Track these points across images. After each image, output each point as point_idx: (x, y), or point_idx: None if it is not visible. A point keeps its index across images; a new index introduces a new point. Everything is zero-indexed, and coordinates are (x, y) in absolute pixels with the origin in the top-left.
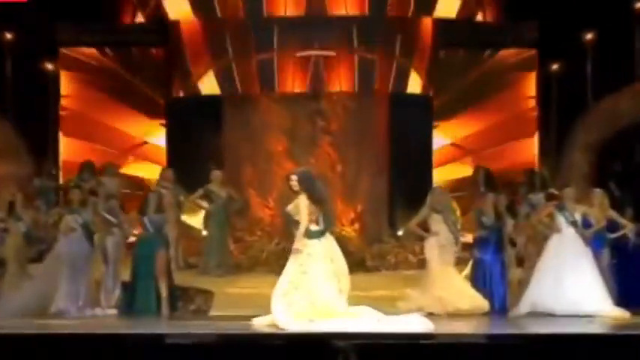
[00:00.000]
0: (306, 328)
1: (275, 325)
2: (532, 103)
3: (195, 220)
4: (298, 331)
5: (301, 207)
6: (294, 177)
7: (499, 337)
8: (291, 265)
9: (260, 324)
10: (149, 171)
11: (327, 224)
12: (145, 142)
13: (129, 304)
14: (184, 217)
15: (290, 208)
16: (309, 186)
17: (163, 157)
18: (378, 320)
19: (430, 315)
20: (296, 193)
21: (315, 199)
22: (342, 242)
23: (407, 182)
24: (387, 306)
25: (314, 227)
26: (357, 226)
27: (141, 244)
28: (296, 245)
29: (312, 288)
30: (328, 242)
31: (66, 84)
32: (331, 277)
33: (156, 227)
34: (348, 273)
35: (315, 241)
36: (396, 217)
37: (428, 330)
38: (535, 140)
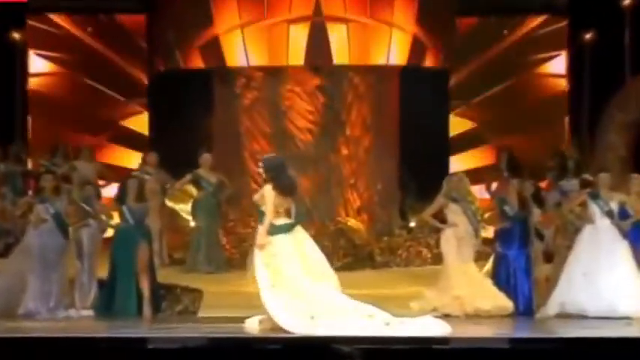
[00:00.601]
0: (310, 329)
1: (269, 327)
2: (562, 79)
3: (182, 209)
4: (300, 334)
5: (266, 197)
6: (260, 163)
7: (524, 341)
8: (259, 264)
9: (253, 326)
10: (128, 158)
11: (299, 218)
12: (125, 122)
13: (107, 305)
14: (169, 206)
15: (256, 197)
16: (275, 174)
17: (144, 140)
18: (386, 323)
19: (446, 317)
20: (264, 182)
21: (281, 189)
22: (347, 235)
23: (420, 167)
24: (397, 306)
25: (281, 220)
26: (364, 216)
27: (120, 237)
28: (258, 240)
29: (298, 287)
30: (297, 237)
31: (34, 61)
32: (310, 274)
33: (137, 218)
34: (330, 271)
35: (280, 237)
36: (408, 207)
37: (444, 334)
38: (566, 120)
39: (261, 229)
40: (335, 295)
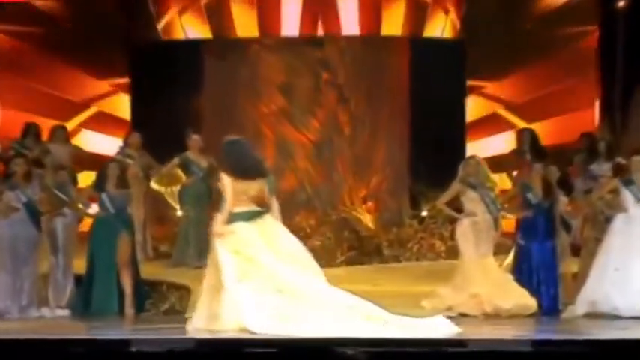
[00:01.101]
0: (286, 330)
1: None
2: (592, 54)
3: (168, 197)
4: (272, 335)
5: (223, 183)
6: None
7: (549, 343)
8: (223, 255)
9: (199, 327)
10: (106, 143)
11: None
12: (102, 103)
13: (84, 303)
14: (154, 193)
15: (219, 184)
16: (226, 159)
17: (125, 123)
18: (385, 322)
19: (463, 316)
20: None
21: (237, 174)
22: (351, 225)
23: (434, 149)
24: (407, 305)
25: (243, 208)
26: (370, 204)
27: (99, 228)
28: (214, 228)
29: (277, 278)
30: (264, 227)
31: None
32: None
33: (117, 206)
34: (313, 266)
35: (240, 225)
36: (420, 194)
37: (451, 335)
38: (596, 98)
39: (218, 217)
40: (323, 288)
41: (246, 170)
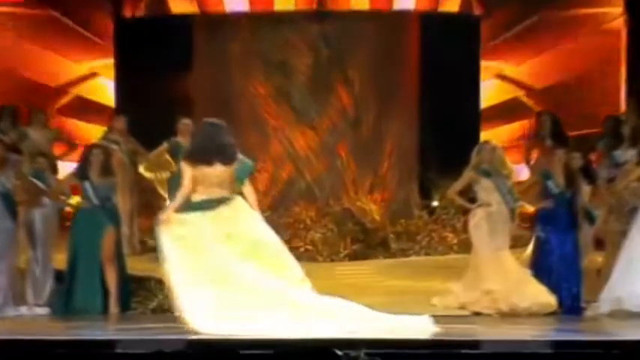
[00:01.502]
0: (232, 330)
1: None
2: (618, 22)
3: (158, 185)
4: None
5: (182, 168)
6: None
7: (571, 345)
8: (166, 247)
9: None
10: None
11: (234, 191)
12: (85, 79)
13: (65, 301)
14: (141, 181)
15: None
16: (191, 143)
17: (109, 101)
18: (350, 319)
19: (476, 315)
20: None
21: (192, 159)
22: (356, 217)
23: (445, 134)
24: (416, 303)
25: (200, 196)
26: (376, 194)
27: (81, 220)
28: (161, 215)
29: (226, 276)
30: (227, 216)
31: None
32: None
33: (102, 196)
34: (286, 260)
35: (194, 215)
36: (430, 183)
37: (426, 335)
38: (622, 79)
39: (170, 204)
40: (278, 285)
41: (206, 155)
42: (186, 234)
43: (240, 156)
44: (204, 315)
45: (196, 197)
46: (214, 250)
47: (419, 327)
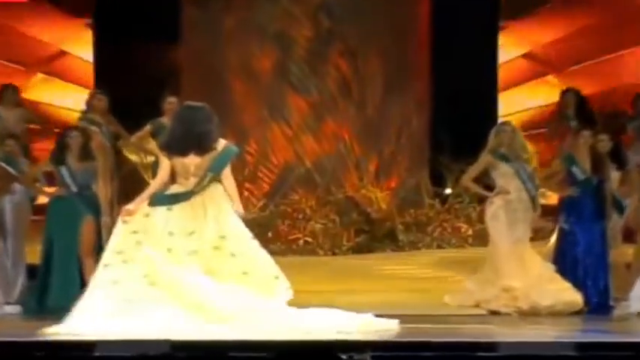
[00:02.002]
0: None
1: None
2: None
3: (143, 170)
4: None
5: (160, 159)
6: None
7: (598, 347)
8: (116, 236)
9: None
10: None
11: (200, 183)
12: (62, 54)
13: (39, 299)
14: (124, 166)
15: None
16: (170, 130)
17: (89, 77)
18: (283, 317)
19: (494, 314)
20: None
21: (170, 150)
22: (360, 206)
23: (459, 114)
24: (426, 301)
25: (176, 189)
26: (382, 181)
27: (57, 209)
28: (127, 206)
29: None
30: (186, 210)
31: None
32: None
33: (80, 183)
34: (242, 256)
35: (158, 210)
36: (443, 168)
37: (344, 336)
38: None
39: (141, 195)
40: (206, 286)
41: (181, 146)
42: (141, 229)
43: (223, 141)
44: (90, 315)
45: (174, 189)
46: (161, 248)
47: (341, 323)
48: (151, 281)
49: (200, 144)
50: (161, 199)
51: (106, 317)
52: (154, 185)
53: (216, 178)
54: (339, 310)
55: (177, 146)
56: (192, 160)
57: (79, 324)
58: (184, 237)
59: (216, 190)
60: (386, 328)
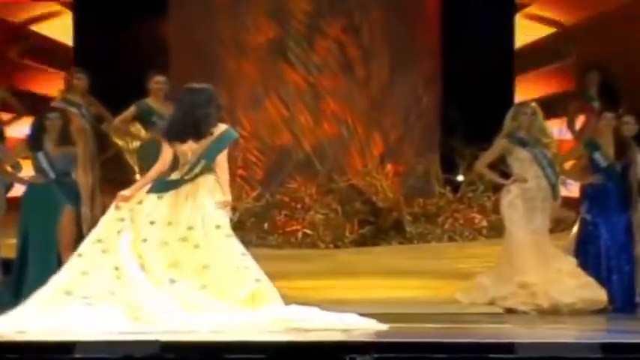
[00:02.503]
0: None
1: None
2: None
3: (127, 156)
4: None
5: (163, 145)
6: None
7: (623, 348)
8: (102, 224)
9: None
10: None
11: (191, 170)
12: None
13: (15, 295)
14: (106, 152)
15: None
16: (172, 114)
17: (67, 57)
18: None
19: (510, 313)
20: None
21: (169, 137)
22: (364, 194)
23: (472, 94)
24: (437, 298)
25: (175, 175)
26: (388, 167)
27: (33, 198)
28: (123, 191)
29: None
30: (172, 199)
31: None
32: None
33: (58, 170)
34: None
35: (151, 197)
36: (455, 152)
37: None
38: None
39: (140, 180)
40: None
41: (181, 132)
42: (128, 217)
43: (222, 126)
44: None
45: (173, 176)
46: (138, 238)
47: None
48: (118, 275)
49: (196, 129)
50: (154, 187)
51: (40, 311)
52: (152, 172)
53: (210, 166)
54: (304, 308)
55: (174, 132)
56: (189, 147)
57: (8, 318)
58: (163, 227)
59: (206, 179)
60: (365, 328)
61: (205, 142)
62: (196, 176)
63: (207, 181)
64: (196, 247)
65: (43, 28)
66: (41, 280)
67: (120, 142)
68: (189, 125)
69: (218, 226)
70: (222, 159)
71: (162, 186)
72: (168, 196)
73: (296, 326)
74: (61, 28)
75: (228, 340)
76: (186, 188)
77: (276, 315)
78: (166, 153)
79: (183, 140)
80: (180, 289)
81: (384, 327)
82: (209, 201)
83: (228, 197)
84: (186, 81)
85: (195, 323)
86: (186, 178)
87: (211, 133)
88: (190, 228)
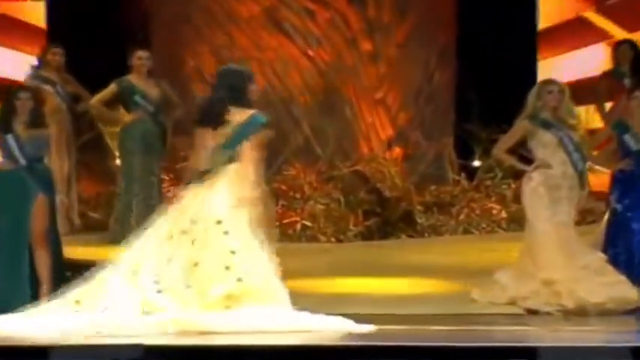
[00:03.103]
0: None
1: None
2: None
3: (107, 140)
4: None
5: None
6: None
7: None
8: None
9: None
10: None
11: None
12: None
13: None
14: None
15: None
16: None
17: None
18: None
19: (532, 314)
20: None
21: (201, 123)
22: (370, 182)
23: (491, 70)
24: (451, 296)
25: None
26: (397, 152)
27: (1, 187)
28: (245, 193)
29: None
30: (199, 190)
31: None
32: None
33: (30, 155)
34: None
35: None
36: (470, 136)
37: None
38: None
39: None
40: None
41: (202, 118)
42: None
43: (248, 111)
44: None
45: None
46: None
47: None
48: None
49: (209, 115)
50: (196, 176)
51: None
52: (197, 158)
53: (234, 156)
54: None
55: (199, 119)
56: (213, 135)
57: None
58: (172, 220)
59: (227, 170)
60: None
61: (227, 130)
62: (217, 167)
63: (227, 172)
64: (193, 242)
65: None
66: (11, 274)
67: (100, 125)
68: (207, 111)
69: (219, 222)
70: (246, 149)
71: (193, 178)
72: (194, 188)
73: (205, 330)
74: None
75: (214, 345)
76: (208, 180)
77: (172, 316)
78: (197, 141)
79: (204, 127)
80: (145, 287)
81: (365, 329)
82: (220, 194)
83: (246, 193)
84: (171, 56)
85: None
86: (208, 169)
87: (223, 121)
88: (194, 222)
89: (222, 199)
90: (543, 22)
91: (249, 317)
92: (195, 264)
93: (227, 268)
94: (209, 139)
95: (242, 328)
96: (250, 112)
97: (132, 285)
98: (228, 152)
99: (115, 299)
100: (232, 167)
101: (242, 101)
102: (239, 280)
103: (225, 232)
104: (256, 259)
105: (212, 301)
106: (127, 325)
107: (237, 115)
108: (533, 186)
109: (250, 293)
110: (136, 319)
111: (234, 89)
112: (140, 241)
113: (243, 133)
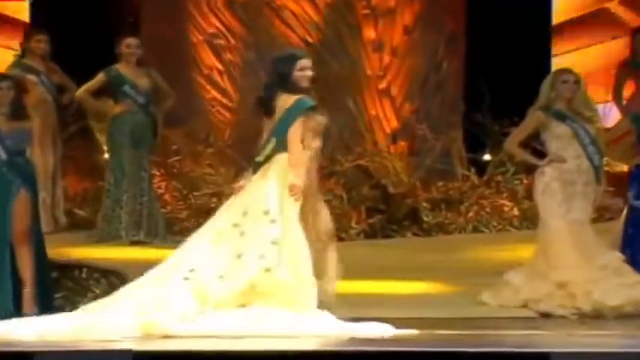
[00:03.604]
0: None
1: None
2: None
3: (96, 132)
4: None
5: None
6: None
7: None
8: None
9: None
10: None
11: (262, 151)
12: None
13: None
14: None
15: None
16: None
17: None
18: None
19: (545, 317)
20: None
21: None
22: (374, 177)
23: (502, 59)
24: (460, 298)
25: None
26: (402, 145)
27: None
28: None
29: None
30: (256, 180)
31: None
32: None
33: (11, 149)
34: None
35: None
36: (480, 128)
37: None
38: None
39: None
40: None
41: (257, 106)
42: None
43: (292, 97)
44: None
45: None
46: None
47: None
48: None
49: (259, 103)
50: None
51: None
52: (266, 147)
53: (282, 144)
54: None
55: (256, 108)
56: (268, 125)
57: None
58: (225, 213)
59: (279, 158)
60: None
61: (275, 117)
62: (269, 157)
63: (280, 160)
64: (242, 234)
65: None
66: None
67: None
68: (258, 100)
69: (266, 212)
70: (292, 135)
71: (253, 168)
72: (253, 179)
73: (173, 333)
74: None
75: (204, 350)
76: (263, 171)
77: (142, 320)
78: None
79: (259, 116)
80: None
81: (406, 333)
82: (269, 183)
83: (297, 181)
84: (160, 44)
85: None
86: (259, 160)
87: (271, 108)
88: (245, 213)
89: (271, 189)
90: (558, 14)
91: (272, 320)
92: (239, 255)
93: (261, 257)
94: (266, 129)
95: (261, 331)
96: (296, 97)
97: (189, 282)
98: (276, 140)
99: (173, 297)
100: (283, 155)
101: (288, 86)
102: (267, 270)
103: (272, 221)
104: (295, 253)
105: (235, 292)
106: (115, 329)
107: (284, 101)
108: (547, 181)
109: (275, 286)
110: (127, 324)
111: (280, 75)
112: (195, 238)
113: (288, 118)
